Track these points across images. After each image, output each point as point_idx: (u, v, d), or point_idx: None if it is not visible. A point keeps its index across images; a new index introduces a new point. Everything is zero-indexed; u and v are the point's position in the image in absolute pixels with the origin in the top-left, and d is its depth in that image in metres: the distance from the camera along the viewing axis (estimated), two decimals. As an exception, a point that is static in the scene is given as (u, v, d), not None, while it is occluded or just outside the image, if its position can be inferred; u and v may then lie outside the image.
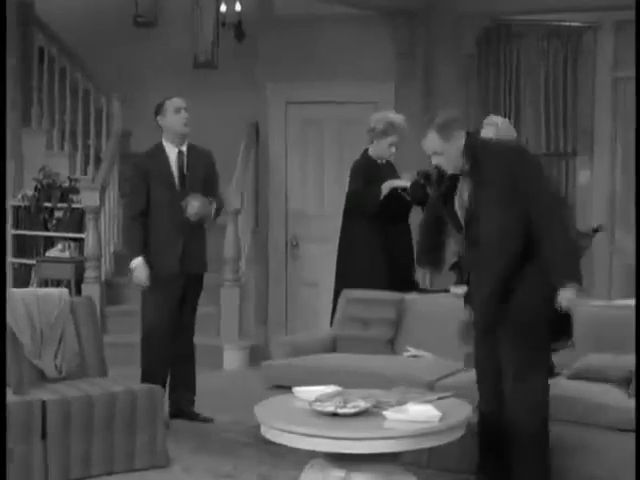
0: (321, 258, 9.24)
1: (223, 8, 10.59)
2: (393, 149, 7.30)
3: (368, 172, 7.28)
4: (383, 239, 7.19)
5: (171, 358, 6.79)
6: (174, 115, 6.78)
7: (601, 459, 5.26)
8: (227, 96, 10.30)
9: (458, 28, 9.41)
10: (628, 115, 9.49)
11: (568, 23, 9.56)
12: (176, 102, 6.80)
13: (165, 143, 6.81)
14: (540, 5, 9.15)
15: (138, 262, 6.68)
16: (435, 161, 5.17)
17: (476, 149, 5.08)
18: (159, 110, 6.80)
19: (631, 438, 5.15)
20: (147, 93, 10.30)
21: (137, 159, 7.06)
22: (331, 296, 7.36)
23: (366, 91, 9.46)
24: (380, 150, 7.30)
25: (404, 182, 7.18)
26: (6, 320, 5.68)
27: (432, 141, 5.11)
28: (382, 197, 7.16)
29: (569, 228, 5.14)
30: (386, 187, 7.18)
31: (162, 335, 6.71)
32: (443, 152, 5.10)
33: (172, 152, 6.80)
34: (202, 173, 6.86)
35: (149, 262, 6.68)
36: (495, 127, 6.67)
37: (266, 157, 9.93)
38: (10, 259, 10.01)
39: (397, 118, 7.33)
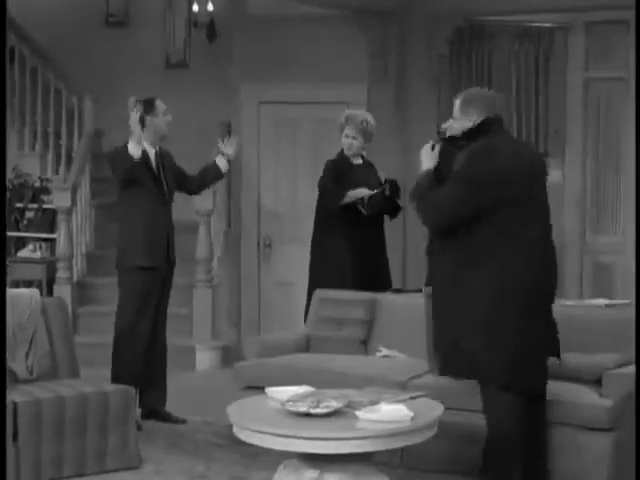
0: (294, 258, 9.25)
1: (195, 8, 10.57)
2: (349, 140, 7.31)
3: (339, 170, 7.31)
4: (355, 239, 7.20)
5: (145, 357, 6.78)
6: (163, 116, 6.78)
7: (573, 458, 5.28)
8: (199, 96, 10.28)
9: (430, 28, 9.43)
10: (599, 116, 9.55)
11: (539, 24, 9.60)
12: (161, 103, 6.79)
13: (144, 142, 6.72)
14: (512, 6, 9.19)
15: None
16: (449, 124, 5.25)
17: (468, 137, 5.10)
18: (150, 109, 6.71)
19: (602, 437, 5.19)
20: (119, 93, 10.27)
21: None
22: (305, 296, 7.38)
23: (339, 91, 9.46)
24: (343, 143, 7.35)
25: (366, 194, 7.19)
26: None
27: (454, 106, 5.20)
28: (343, 203, 7.19)
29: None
30: (350, 196, 7.20)
31: (143, 338, 6.71)
32: (455, 120, 5.17)
33: (151, 152, 6.78)
34: (171, 173, 6.91)
35: (137, 256, 6.69)
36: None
37: (239, 157, 9.90)
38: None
39: (353, 112, 7.45)
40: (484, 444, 5.05)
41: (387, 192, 7.26)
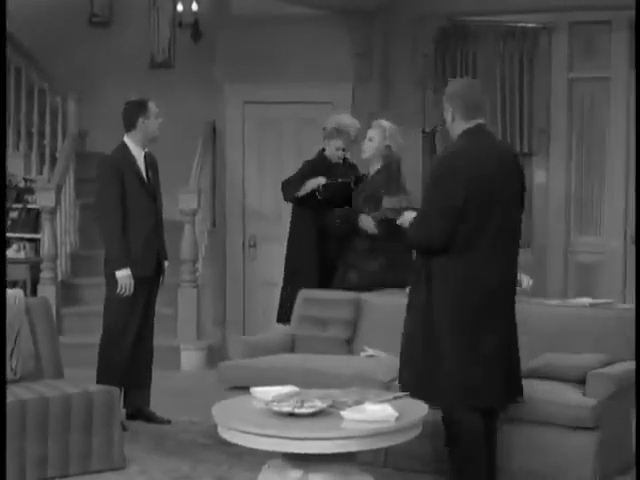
0: (279, 258, 9.20)
1: (180, 8, 10.56)
2: (340, 153, 7.34)
3: (314, 169, 7.32)
4: (331, 237, 7.21)
5: (131, 358, 6.76)
6: (155, 119, 6.73)
7: (557, 457, 5.30)
8: (184, 96, 10.26)
9: (415, 28, 9.45)
10: (583, 116, 9.58)
11: (524, 24, 9.63)
12: (154, 105, 6.75)
13: (131, 145, 6.69)
14: (496, 6, 9.21)
15: (127, 273, 6.60)
16: None
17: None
18: (143, 111, 6.66)
19: (586, 436, 5.21)
20: (103, 93, 10.29)
21: (110, 159, 6.78)
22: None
23: (324, 91, 9.47)
24: (330, 151, 7.35)
25: (323, 181, 7.21)
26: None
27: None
28: (302, 194, 7.21)
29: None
30: (310, 184, 7.22)
31: (131, 338, 6.69)
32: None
33: (139, 155, 6.73)
34: (158, 177, 6.89)
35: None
36: (382, 130, 6.95)
37: (223, 157, 9.91)
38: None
39: (344, 121, 7.36)
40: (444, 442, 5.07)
41: (352, 185, 7.24)
